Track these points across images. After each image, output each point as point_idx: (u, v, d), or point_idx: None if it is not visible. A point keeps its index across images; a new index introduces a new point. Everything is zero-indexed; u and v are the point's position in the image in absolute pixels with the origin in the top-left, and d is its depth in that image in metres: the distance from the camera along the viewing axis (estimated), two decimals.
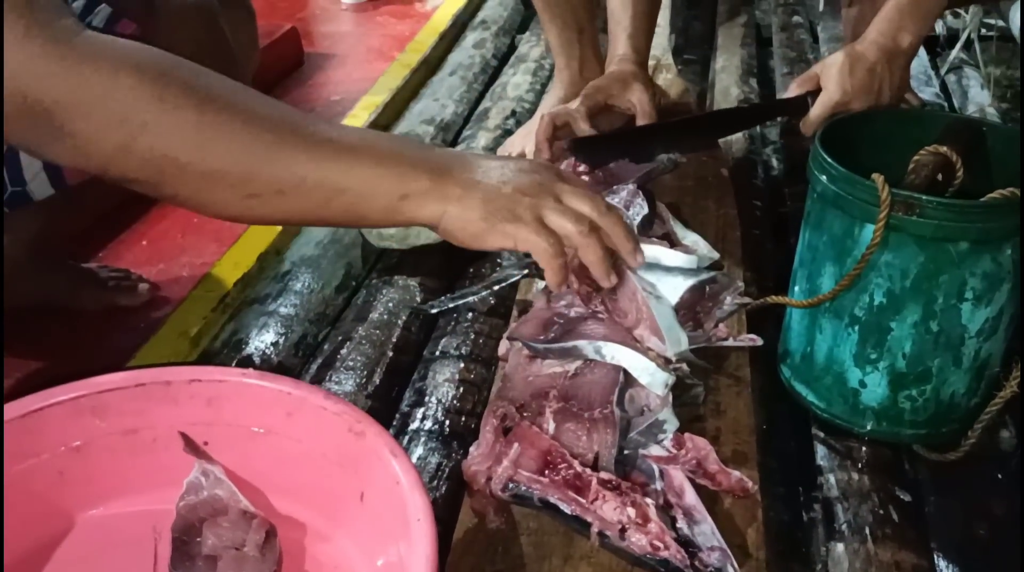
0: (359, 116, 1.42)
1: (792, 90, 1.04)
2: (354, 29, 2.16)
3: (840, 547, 0.70)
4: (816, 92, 1.00)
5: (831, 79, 0.98)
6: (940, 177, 0.69)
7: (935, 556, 0.70)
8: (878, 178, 0.65)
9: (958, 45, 1.62)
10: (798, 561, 0.71)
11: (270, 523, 0.67)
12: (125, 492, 0.69)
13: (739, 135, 1.32)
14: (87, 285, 1.10)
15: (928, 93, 1.51)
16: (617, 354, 0.69)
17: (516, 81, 1.58)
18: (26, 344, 1.01)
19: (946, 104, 1.48)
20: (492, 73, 1.69)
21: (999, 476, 0.75)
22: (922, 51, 1.66)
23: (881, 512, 0.72)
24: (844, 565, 0.68)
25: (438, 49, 1.75)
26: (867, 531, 0.71)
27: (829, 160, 0.71)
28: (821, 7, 1.25)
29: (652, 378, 0.70)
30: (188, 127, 0.55)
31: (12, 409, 0.63)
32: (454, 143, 1.41)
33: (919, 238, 0.66)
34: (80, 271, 1.13)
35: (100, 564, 0.65)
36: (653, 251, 0.83)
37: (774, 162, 1.32)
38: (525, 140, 1.23)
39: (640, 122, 1.04)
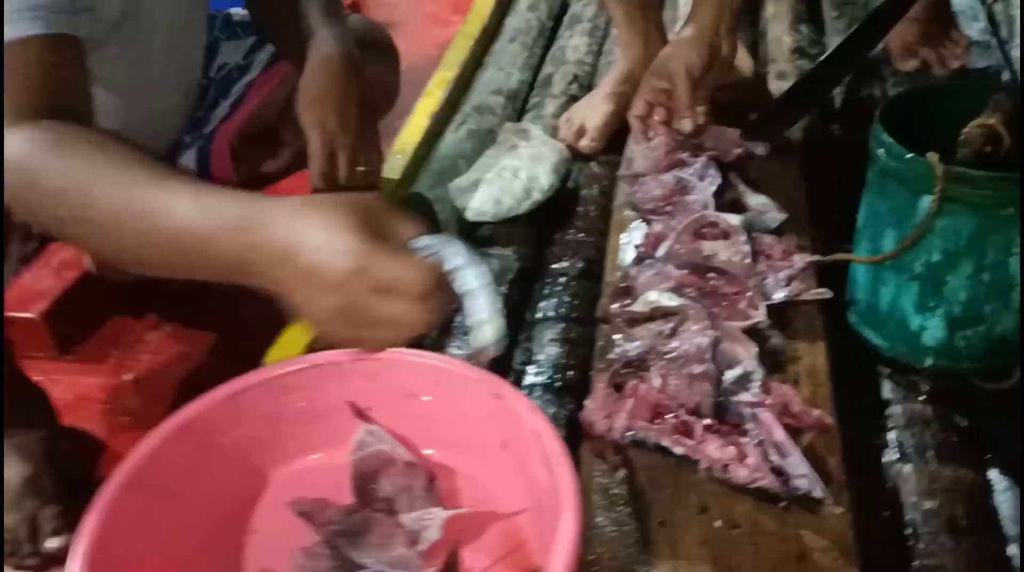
0: (434, 94, 1.52)
1: None
2: None
3: (908, 467, 0.82)
4: None
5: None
6: (989, 148, 0.79)
7: (990, 472, 0.82)
8: (933, 156, 0.75)
9: None
10: (872, 481, 0.84)
11: (430, 470, 0.81)
12: (306, 451, 0.84)
13: None
14: None
15: (975, 29, 1.55)
16: None
17: (574, 43, 1.66)
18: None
19: (994, 40, 1.52)
20: (548, 35, 1.77)
21: None
22: None
23: (942, 436, 0.84)
24: (912, 482, 0.81)
25: (495, 15, 1.83)
26: (930, 453, 0.83)
27: (888, 138, 0.80)
28: None
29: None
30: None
31: (222, 391, 0.78)
32: (522, 112, 1.50)
33: (971, 206, 0.77)
34: None
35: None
36: None
37: (833, 115, 1.39)
38: (586, 114, 1.32)
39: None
